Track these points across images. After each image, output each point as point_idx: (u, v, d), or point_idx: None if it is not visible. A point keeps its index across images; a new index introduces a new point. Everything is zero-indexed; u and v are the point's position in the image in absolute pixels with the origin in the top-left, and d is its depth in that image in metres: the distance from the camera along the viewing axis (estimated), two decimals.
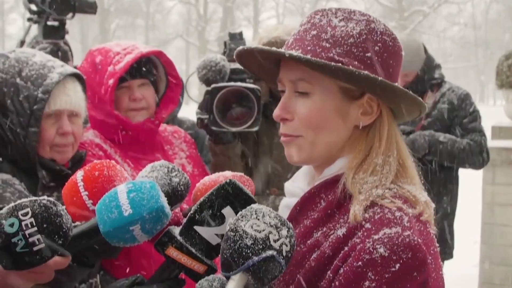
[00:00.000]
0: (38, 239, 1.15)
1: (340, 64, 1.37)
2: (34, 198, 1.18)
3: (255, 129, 2.82)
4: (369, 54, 1.40)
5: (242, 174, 1.60)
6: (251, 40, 6.70)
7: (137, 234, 1.23)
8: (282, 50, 1.42)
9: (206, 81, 2.85)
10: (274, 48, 1.43)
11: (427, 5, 36.62)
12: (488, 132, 6.39)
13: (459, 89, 4.29)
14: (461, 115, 4.17)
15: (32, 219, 1.15)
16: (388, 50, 1.43)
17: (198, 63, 2.91)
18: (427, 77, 4.22)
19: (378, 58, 1.41)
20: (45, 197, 1.19)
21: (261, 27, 40.90)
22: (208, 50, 36.78)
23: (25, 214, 1.15)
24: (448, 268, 4.02)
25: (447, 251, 4.28)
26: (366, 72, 1.36)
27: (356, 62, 1.39)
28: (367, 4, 40.43)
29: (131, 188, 1.25)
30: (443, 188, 4.20)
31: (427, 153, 4.01)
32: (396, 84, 1.43)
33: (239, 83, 2.79)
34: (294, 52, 1.39)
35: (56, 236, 1.17)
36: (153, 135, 2.67)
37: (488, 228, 5.82)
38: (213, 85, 2.79)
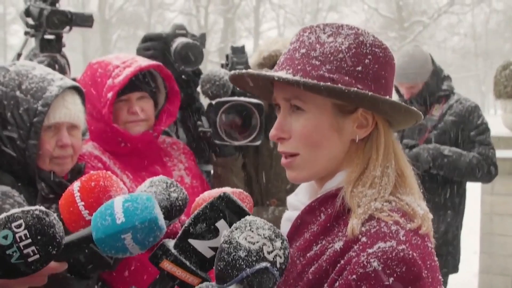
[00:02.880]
0: (32, 251, 1.16)
1: (330, 82, 1.38)
2: (26, 208, 1.18)
3: (258, 143, 2.85)
4: (359, 68, 1.41)
5: (242, 190, 1.61)
6: (252, 52, 6.72)
7: (128, 244, 1.24)
8: (271, 73, 1.44)
9: (209, 95, 2.88)
10: (263, 72, 1.45)
11: (427, 15, 36.70)
12: None
13: (467, 101, 4.20)
14: (468, 128, 4.09)
15: (26, 231, 1.16)
16: (379, 61, 1.44)
17: (201, 76, 2.93)
18: (435, 89, 4.16)
19: (369, 71, 1.42)
20: (37, 207, 1.20)
21: (262, 38, 40.96)
22: (209, 61, 36.83)
23: (19, 226, 1.16)
24: (448, 278, 4.03)
25: (451, 264, 4.19)
26: (355, 89, 1.38)
27: (347, 78, 1.40)
28: (367, 15, 40.49)
29: (127, 198, 1.27)
30: (448, 201, 4.11)
31: (431, 167, 3.93)
32: (387, 97, 1.44)
33: (242, 98, 2.82)
34: (283, 75, 1.41)
35: (50, 247, 1.18)
36: (152, 147, 2.69)
37: (488, 238, 5.82)
38: (216, 100, 2.82)
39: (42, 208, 1.20)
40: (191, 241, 1.30)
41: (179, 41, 2.85)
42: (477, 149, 4.05)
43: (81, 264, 1.74)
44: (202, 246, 1.30)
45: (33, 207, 1.19)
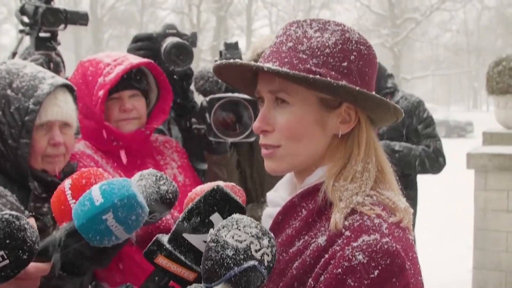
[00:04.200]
0: (1, 256, 1.12)
1: (318, 75, 1.38)
2: None
3: (252, 139, 2.84)
4: (345, 64, 1.42)
5: (234, 184, 1.61)
6: (244, 49, 6.72)
7: (111, 225, 1.22)
8: (259, 64, 1.44)
9: (203, 91, 2.87)
10: (252, 62, 1.44)
11: (420, 12, 36.80)
12: (480, 138, 6.44)
13: (411, 96, 4.39)
14: (415, 122, 4.27)
15: None
16: (364, 58, 1.45)
17: (195, 74, 2.92)
18: (380, 87, 4.26)
19: (354, 67, 1.43)
20: (7, 211, 1.16)
21: (254, 36, 40.98)
22: (201, 59, 36.78)
23: None
24: (442, 273, 4.05)
25: None
26: (343, 82, 1.39)
27: (333, 72, 1.41)
28: (359, 12, 40.59)
29: (104, 183, 1.26)
30: (404, 195, 4.24)
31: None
32: (373, 92, 1.45)
33: (236, 94, 2.81)
34: (272, 66, 1.41)
35: (21, 251, 1.14)
36: (144, 145, 2.68)
37: (481, 234, 5.83)
38: (210, 96, 2.81)
39: (13, 212, 1.16)
40: (185, 235, 1.30)
41: (168, 41, 2.84)
42: (425, 141, 4.23)
43: (73, 262, 1.74)
44: (196, 240, 1.30)
45: (4, 212, 1.15)
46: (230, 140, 2.83)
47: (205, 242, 1.28)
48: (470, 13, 47.87)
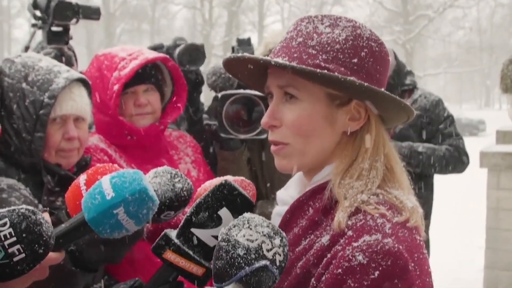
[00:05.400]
0: (18, 249, 1.13)
1: (326, 70, 1.37)
2: (12, 207, 1.15)
3: (264, 136, 2.83)
4: (355, 60, 1.40)
5: (244, 178, 1.60)
6: (256, 45, 6.70)
7: (122, 219, 1.21)
8: (268, 58, 1.42)
9: (215, 88, 2.87)
10: (260, 56, 1.43)
11: (432, 9, 36.61)
12: (493, 137, 6.40)
13: (431, 95, 4.27)
14: (436, 122, 4.17)
15: (11, 229, 1.12)
16: (375, 55, 1.43)
17: (207, 70, 2.92)
18: (398, 84, 4.18)
19: (364, 64, 1.41)
20: (24, 205, 1.16)
21: (266, 32, 40.95)
22: (213, 55, 36.81)
23: (3, 225, 1.13)
24: (453, 273, 4.03)
25: None
26: (352, 78, 1.37)
27: (343, 68, 1.39)
28: (372, 8, 40.44)
29: (114, 175, 1.24)
30: (418, 196, 4.17)
31: (405, 166, 3.98)
32: (383, 89, 1.43)
33: (248, 91, 2.81)
34: (280, 60, 1.40)
35: (37, 245, 1.14)
36: (158, 140, 2.67)
37: (493, 233, 5.80)
38: (222, 93, 2.81)
39: (29, 207, 1.16)
40: (193, 230, 1.28)
41: (181, 46, 2.87)
42: (447, 141, 4.13)
43: (86, 257, 1.74)
44: (205, 235, 1.28)
45: (20, 206, 1.16)
46: (241, 136, 2.82)
47: (213, 236, 1.28)
48: (483, 10, 47.58)
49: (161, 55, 2.63)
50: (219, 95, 2.82)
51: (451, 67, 46.16)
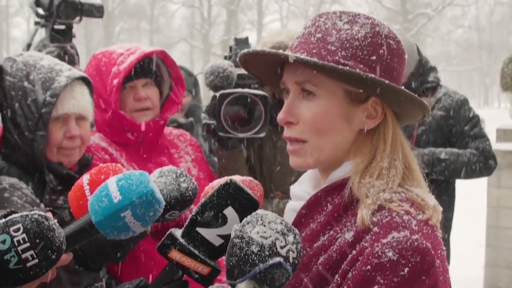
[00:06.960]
0: (31, 255, 1.12)
1: (346, 67, 1.36)
2: (25, 213, 1.15)
3: (262, 135, 2.83)
4: (374, 58, 1.40)
5: (252, 178, 1.60)
6: (255, 44, 6.69)
7: (129, 221, 1.21)
8: (288, 53, 1.42)
9: (213, 87, 2.87)
10: (280, 51, 1.42)
11: (431, 7, 36.64)
12: (493, 135, 6.39)
13: (455, 94, 4.00)
14: (461, 123, 3.91)
15: (24, 235, 1.12)
16: (393, 53, 1.43)
17: (205, 68, 2.93)
18: (421, 80, 3.96)
19: (383, 61, 1.41)
20: (37, 211, 1.16)
21: (265, 30, 40.94)
22: (212, 54, 36.80)
23: (17, 230, 1.12)
24: (454, 271, 4.00)
25: None
26: (372, 75, 1.36)
27: (362, 65, 1.39)
28: (371, 7, 40.44)
29: (120, 177, 1.24)
30: (438, 200, 4.05)
31: (428, 173, 3.78)
32: (402, 87, 1.42)
33: (246, 90, 2.81)
34: (301, 55, 1.39)
35: (50, 251, 1.14)
36: (159, 135, 2.68)
37: (493, 231, 5.81)
38: (220, 92, 2.81)
39: (42, 212, 1.16)
40: (199, 229, 1.28)
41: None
42: (473, 143, 3.87)
43: (89, 256, 1.74)
44: (210, 234, 1.28)
45: (33, 212, 1.16)
46: (240, 135, 2.83)
47: (218, 236, 1.28)
48: (482, 8, 47.58)
49: (159, 49, 2.65)
50: (217, 94, 2.82)
51: (450, 65, 46.19)
